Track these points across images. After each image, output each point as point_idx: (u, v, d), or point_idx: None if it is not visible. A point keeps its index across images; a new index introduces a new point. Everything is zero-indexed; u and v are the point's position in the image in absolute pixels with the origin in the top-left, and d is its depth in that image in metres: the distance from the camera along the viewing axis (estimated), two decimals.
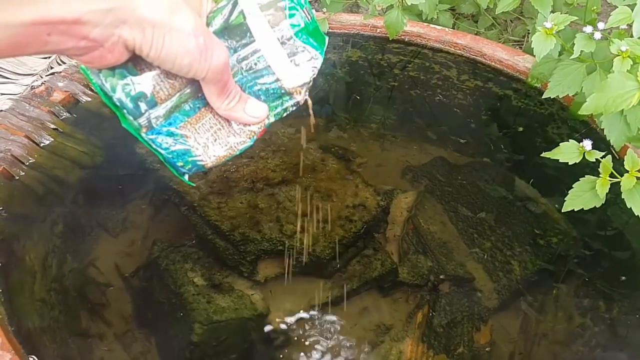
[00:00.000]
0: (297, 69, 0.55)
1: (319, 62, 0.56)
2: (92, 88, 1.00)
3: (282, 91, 0.56)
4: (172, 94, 0.52)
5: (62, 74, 1.03)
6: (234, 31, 0.53)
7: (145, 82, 0.50)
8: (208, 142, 0.55)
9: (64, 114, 0.96)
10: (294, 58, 0.55)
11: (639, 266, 0.89)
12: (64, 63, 1.35)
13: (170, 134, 0.54)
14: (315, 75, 0.56)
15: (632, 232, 0.92)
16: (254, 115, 0.55)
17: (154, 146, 0.54)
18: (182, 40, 0.47)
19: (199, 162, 0.56)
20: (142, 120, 0.52)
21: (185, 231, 0.92)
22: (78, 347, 0.81)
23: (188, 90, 0.53)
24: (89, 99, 0.99)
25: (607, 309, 0.87)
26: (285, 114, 0.57)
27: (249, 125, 0.56)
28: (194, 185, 0.54)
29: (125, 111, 0.51)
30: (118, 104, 0.51)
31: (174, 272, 0.85)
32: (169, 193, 0.93)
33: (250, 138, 0.57)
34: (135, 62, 0.50)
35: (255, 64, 0.54)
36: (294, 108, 0.57)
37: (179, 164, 0.55)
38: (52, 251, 0.88)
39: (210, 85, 0.51)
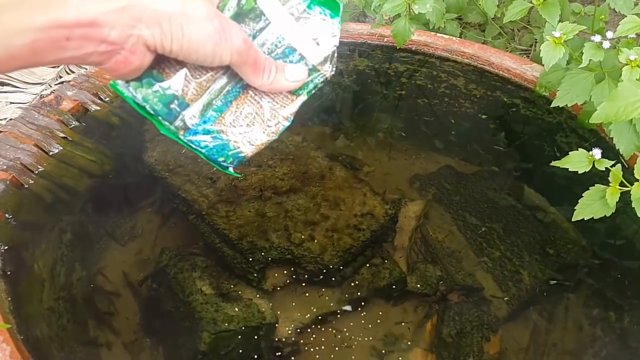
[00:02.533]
0: (318, 42, 0.57)
1: (337, 29, 0.57)
2: (101, 97, 1.00)
3: (309, 67, 0.56)
4: (201, 92, 0.53)
5: (71, 82, 1.04)
6: (248, 16, 0.54)
7: (172, 86, 0.52)
8: (245, 133, 0.56)
9: (73, 122, 0.97)
10: (312, 31, 0.56)
11: None
12: (73, 72, 1.36)
13: (207, 132, 0.55)
14: (337, 44, 0.57)
15: None
16: (297, 79, 0.55)
17: (193, 146, 0.55)
18: (200, 27, 0.47)
19: (239, 154, 0.57)
20: (178, 123, 0.53)
21: (194, 240, 0.92)
22: (86, 355, 0.81)
23: (217, 86, 0.54)
24: (98, 108, 0.99)
25: (617, 319, 0.86)
26: (315, 90, 0.58)
27: (293, 91, 0.57)
28: (240, 176, 0.56)
29: (160, 118, 0.53)
30: (152, 112, 0.52)
31: (182, 281, 0.85)
32: (176, 201, 0.93)
33: (287, 119, 0.57)
34: (159, 68, 0.51)
35: (276, 46, 0.55)
36: (323, 83, 0.58)
37: (220, 159, 0.56)
38: (60, 259, 0.88)
39: (242, 66, 0.52)
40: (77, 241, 0.92)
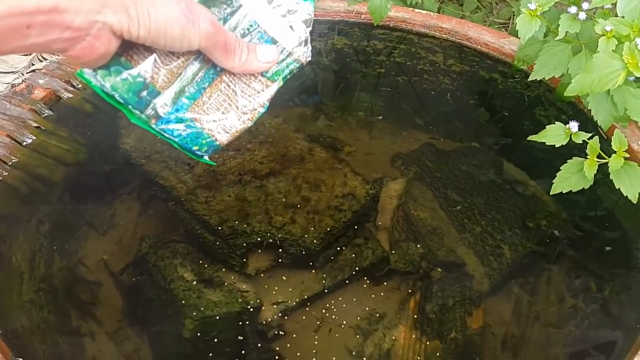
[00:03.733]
0: (292, 26, 0.56)
1: (311, 13, 0.56)
2: (74, 84, 0.98)
3: (283, 53, 0.56)
4: (172, 79, 0.52)
5: (43, 70, 1.01)
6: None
7: (142, 73, 0.50)
8: (220, 120, 0.55)
9: (46, 111, 0.95)
10: (285, 15, 0.55)
11: (630, 246, 0.89)
12: (45, 59, 1.33)
13: (180, 120, 0.53)
14: (310, 28, 0.56)
15: (621, 212, 0.92)
16: (269, 59, 0.55)
17: (166, 135, 0.54)
18: (167, 10, 0.46)
19: (214, 143, 0.56)
20: (149, 112, 0.52)
21: (174, 226, 0.91)
22: (69, 346, 0.81)
23: (189, 73, 0.52)
24: (71, 95, 0.98)
25: (598, 289, 0.87)
26: (290, 76, 0.58)
27: (268, 77, 0.56)
28: (215, 164, 0.56)
29: (130, 107, 0.51)
30: (122, 101, 0.51)
31: (163, 268, 0.84)
32: (155, 188, 0.92)
33: (262, 106, 0.57)
34: (128, 56, 0.50)
35: (249, 30, 0.54)
36: (298, 69, 0.58)
37: (195, 148, 0.55)
38: (39, 251, 0.87)
39: (211, 50, 0.51)
40: (56, 232, 0.91)
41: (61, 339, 0.81)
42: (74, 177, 0.94)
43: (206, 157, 0.57)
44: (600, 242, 0.92)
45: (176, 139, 0.54)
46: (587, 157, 0.76)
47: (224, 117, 0.55)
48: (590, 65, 0.70)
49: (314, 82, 1.21)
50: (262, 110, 0.57)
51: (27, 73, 1.30)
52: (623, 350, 0.71)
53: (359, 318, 0.86)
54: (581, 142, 0.77)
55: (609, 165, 0.74)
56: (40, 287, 0.84)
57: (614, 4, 0.84)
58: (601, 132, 0.88)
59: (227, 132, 0.56)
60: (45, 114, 0.95)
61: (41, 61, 1.34)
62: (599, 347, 0.81)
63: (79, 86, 0.99)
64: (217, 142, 0.56)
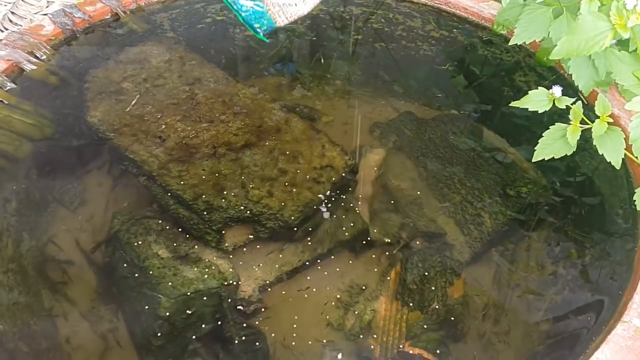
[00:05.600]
0: None
1: None
2: (37, 56, 0.94)
3: None
4: None
5: (4, 41, 0.96)
6: None
7: None
8: (282, 5, 0.64)
9: (8, 84, 0.91)
10: None
11: (609, 211, 0.89)
12: (7, 29, 1.26)
13: None
14: None
15: (601, 178, 0.91)
16: None
17: (235, 7, 0.63)
18: None
19: (273, 24, 0.65)
20: None
21: (146, 202, 0.88)
22: (41, 328, 0.78)
23: None
24: (34, 67, 0.93)
25: (579, 256, 0.87)
26: None
27: None
28: (267, 41, 0.69)
29: None
30: None
31: (136, 246, 0.81)
32: (125, 163, 0.89)
33: None
34: None
35: None
36: None
37: (256, 25, 0.65)
38: (6, 230, 0.84)
39: None
40: (24, 209, 0.87)
41: (33, 320, 0.78)
42: (40, 153, 0.90)
43: (261, 34, 0.66)
44: (580, 209, 0.92)
45: (243, 14, 0.63)
46: (570, 122, 0.74)
47: (287, 2, 0.64)
48: (576, 27, 0.68)
49: (290, 50, 1.18)
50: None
51: None
52: (605, 317, 0.71)
53: (340, 291, 0.84)
54: (563, 107, 0.75)
55: (592, 130, 0.73)
56: (9, 267, 0.80)
57: None
58: (582, 97, 0.87)
59: (287, 18, 0.66)
60: (8, 87, 0.90)
61: (2, 31, 1.28)
62: (580, 313, 0.81)
63: (42, 57, 0.94)
64: (276, 24, 0.65)
